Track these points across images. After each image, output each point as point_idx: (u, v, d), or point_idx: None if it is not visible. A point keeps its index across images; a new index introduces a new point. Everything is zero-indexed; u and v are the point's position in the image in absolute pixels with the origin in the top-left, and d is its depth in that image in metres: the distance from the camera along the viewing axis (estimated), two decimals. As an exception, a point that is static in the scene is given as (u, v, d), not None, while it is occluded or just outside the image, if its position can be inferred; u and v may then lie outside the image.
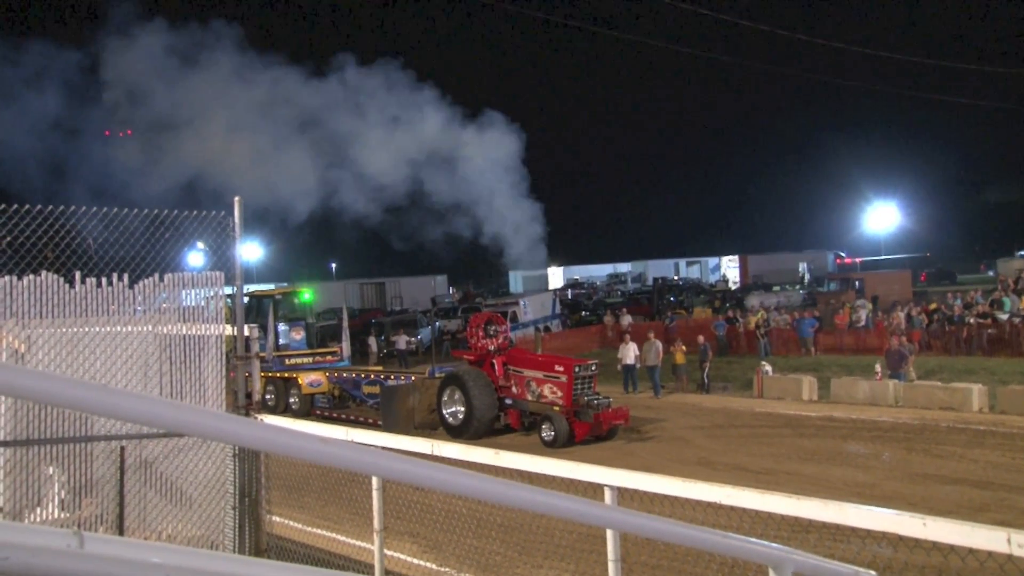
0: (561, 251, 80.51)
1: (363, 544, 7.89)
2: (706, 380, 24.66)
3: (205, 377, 7.87)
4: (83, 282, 7.31)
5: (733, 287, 67.84)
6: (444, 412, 19.36)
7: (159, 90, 26.94)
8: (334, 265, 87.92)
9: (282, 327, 25.63)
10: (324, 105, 29.30)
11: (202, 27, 27.05)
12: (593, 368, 18.59)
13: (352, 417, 21.93)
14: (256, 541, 7.77)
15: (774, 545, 3.29)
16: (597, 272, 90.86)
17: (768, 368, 24.10)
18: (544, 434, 17.81)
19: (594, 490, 4.89)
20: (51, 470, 7.29)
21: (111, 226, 7.35)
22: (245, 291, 8.86)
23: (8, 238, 6.90)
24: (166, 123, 27.36)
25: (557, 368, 18.42)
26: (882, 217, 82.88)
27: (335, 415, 22.51)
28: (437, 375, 20.83)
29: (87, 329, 7.33)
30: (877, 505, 4.49)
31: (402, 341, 36.66)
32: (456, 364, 22.45)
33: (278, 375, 23.97)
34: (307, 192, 30.02)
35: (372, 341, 37.59)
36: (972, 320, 29.81)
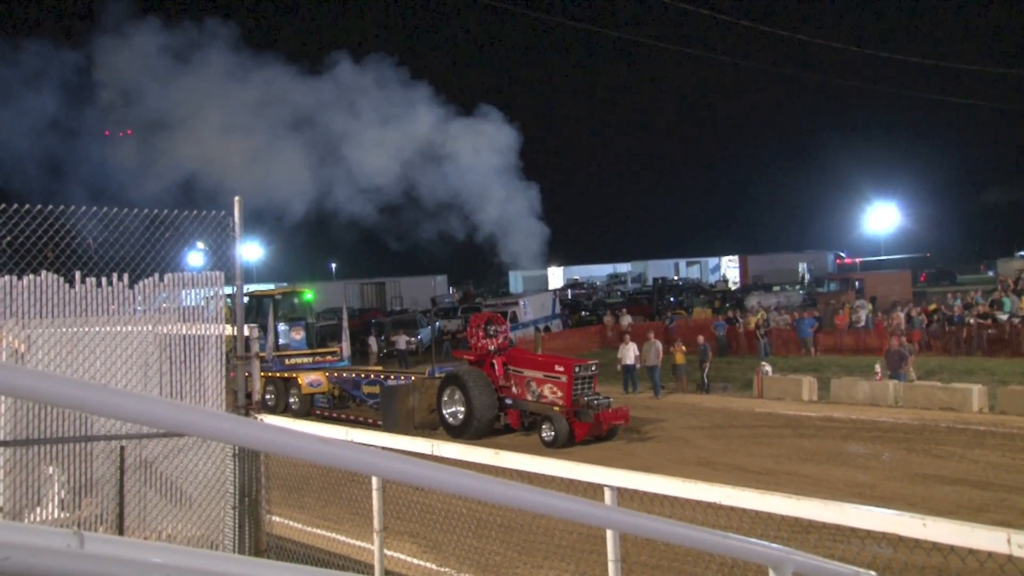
0: (561, 251, 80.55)
1: (363, 544, 7.89)
2: (706, 380, 24.65)
3: (205, 377, 7.87)
4: (83, 282, 7.31)
5: (733, 287, 67.82)
6: (444, 412, 19.36)
7: (157, 90, 26.96)
8: (334, 265, 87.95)
9: (282, 327, 25.64)
10: (323, 105, 29.32)
11: (198, 26, 27.04)
12: (593, 368, 18.59)
13: (352, 417, 21.92)
14: (256, 541, 7.77)
15: (774, 545, 3.29)
16: (597, 272, 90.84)
17: (768, 368, 24.10)
18: (544, 434, 17.81)
19: (594, 490, 4.89)
20: (51, 470, 7.29)
21: (111, 226, 7.35)
22: (245, 291, 8.86)
23: (8, 238, 6.90)
24: (164, 123, 27.37)
25: (557, 368, 18.42)
26: (882, 217, 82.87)
27: (335, 415, 22.51)
28: (437, 375, 20.83)
29: (87, 329, 7.33)
30: (877, 505, 4.49)
31: (402, 341, 36.67)
32: (456, 364, 22.45)
33: (278, 375, 23.98)
34: (306, 192, 30.04)
35: (372, 341, 37.61)
36: (972, 320, 29.80)
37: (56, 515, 7.20)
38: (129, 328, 7.56)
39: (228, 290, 8.23)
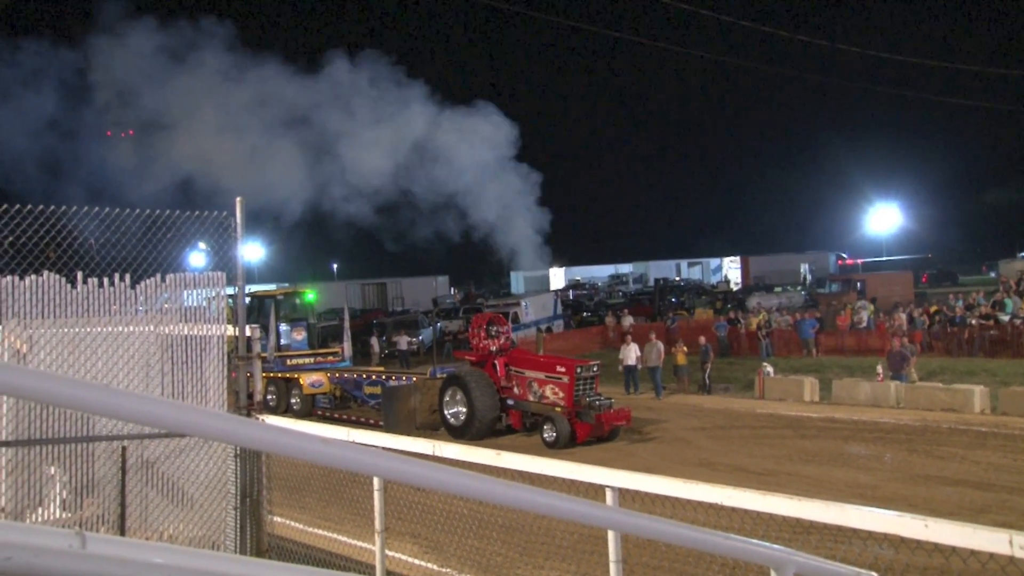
0: (563, 252, 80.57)
1: (364, 545, 7.89)
2: (707, 381, 24.65)
3: (207, 377, 7.87)
4: (85, 282, 7.32)
5: (735, 288, 67.79)
6: (446, 413, 19.36)
7: (156, 91, 26.97)
8: (335, 265, 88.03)
9: (284, 327, 25.65)
10: (323, 106, 29.33)
11: (194, 26, 27.05)
12: (595, 369, 18.58)
13: (353, 418, 21.92)
14: (257, 542, 7.77)
15: (775, 546, 3.29)
16: (598, 273, 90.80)
17: (769, 369, 24.08)
18: (546, 435, 17.81)
19: (595, 491, 4.89)
20: (53, 470, 7.30)
21: (113, 226, 7.35)
22: (247, 291, 8.86)
23: (11, 238, 6.91)
24: (163, 124, 27.39)
25: (559, 369, 18.41)
26: (884, 218, 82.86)
27: (336, 416, 22.51)
28: (439, 376, 20.83)
29: (89, 329, 7.33)
30: (878, 506, 4.49)
31: (403, 342, 36.67)
32: (458, 365, 22.45)
33: (280, 375, 23.98)
34: (307, 193, 30.06)
35: (374, 341, 37.61)
36: (974, 321, 29.79)
37: (58, 515, 7.21)
38: (131, 328, 7.57)
39: (230, 290, 8.23)
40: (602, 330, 41.13)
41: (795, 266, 75.06)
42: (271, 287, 39.61)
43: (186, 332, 7.83)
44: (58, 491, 7.27)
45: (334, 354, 26.06)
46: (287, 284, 48.98)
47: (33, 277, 7.14)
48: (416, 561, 9.45)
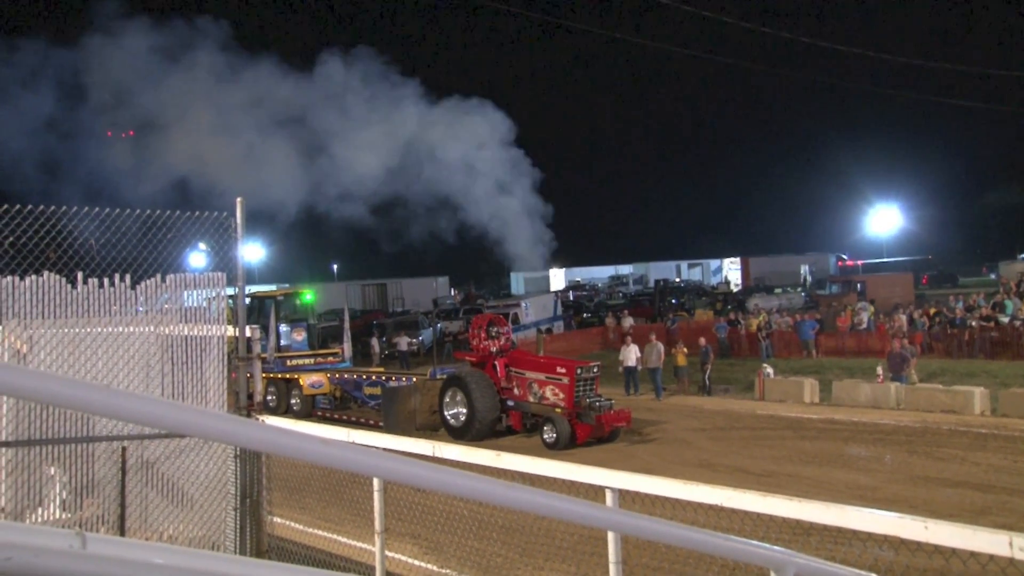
0: (563, 253, 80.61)
1: (364, 545, 7.88)
2: (707, 382, 24.64)
3: (207, 378, 7.88)
4: (85, 282, 7.32)
5: (735, 289, 67.80)
6: (446, 413, 19.35)
7: (152, 92, 26.94)
8: (336, 266, 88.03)
9: (284, 328, 25.63)
10: (321, 106, 29.32)
11: (189, 26, 27.02)
12: (595, 370, 18.58)
13: (353, 418, 21.92)
14: (257, 542, 7.77)
15: (775, 548, 3.28)
16: (599, 274, 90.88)
17: (769, 370, 24.08)
18: (546, 436, 17.81)
19: (595, 492, 4.89)
20: (52, 470, 7.30)
21: (113, 227, 7.35)
22: (247, 292, 8.86)
23: (11, 238, 6.91)
24: (160, 125, 27.37)
25: (559, 370, 18.40)
26: (884, 219, 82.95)
27: (336, 416, 22.50)
28: (439, 376, 20.83)
29: (89, 329, 7.34)
30: (878, 508, 4.49)
31: (403, 342, 36.66)
32: (458, 365, 22.44)
33: (280, 376, 23.97)
34: (306, 194, 30.05)
35: (374, 342, 37.60)
36: (974, 323, 29.79)
37: (58, 516, 7.21)
38: (131, 329, 7.57)
39: (230, 291, 8.23)
40: (602, 331, 41.13)
41: (795, 267, 75.07)
42: (271, 288, 39.58)
43: (186, 333, 7.84)
44: (58, 491, 7.27)
45: (334, 355, 26.05)
46: (287, 285, 48.92)
47: (33, 277, 7.14)
48: (416, 562, 9.45)
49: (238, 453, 7.64)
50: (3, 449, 7.05)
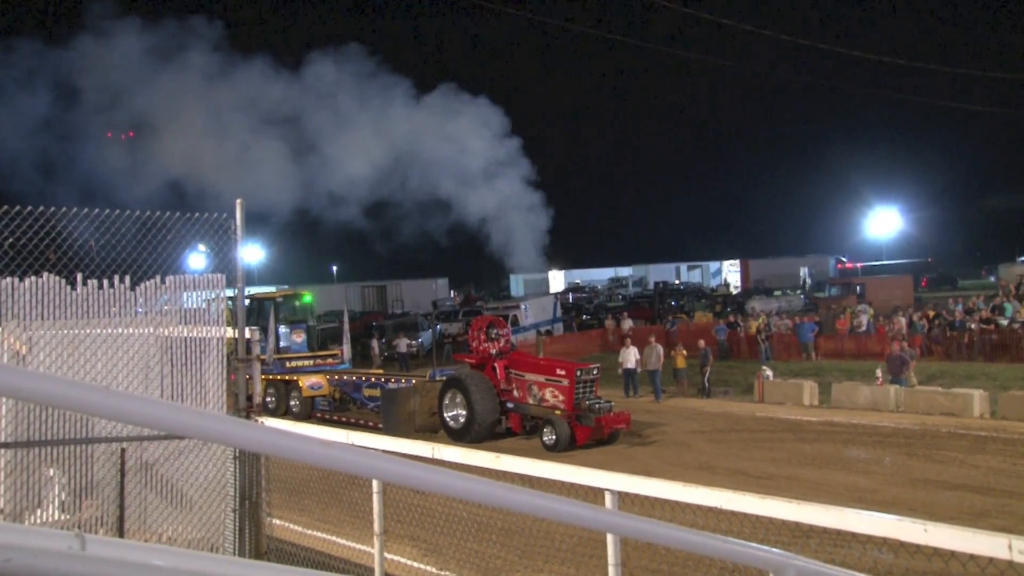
0: (562, 255, 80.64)
1: (363, 547, 7.88)
2: (707, 384, 24.63)
3: (206, 379, 7.87)
4: (85, 284, 7.32)
5: (734, 291, 67.86)
6: (445, 415, 19.34)
7: (149, 93, 26.87)
8: (335, 268, 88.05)
9: (283, 330, 25.61)
10: (319, 106, 29.27)
11: (184, 26, 26.95)
12: (595, 372, 18.58)
13: (353, 420, 21.92)
14: (256, 544, 7.76)
15: (774, 550, 3.28)
16: (598, 276, 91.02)
17: (769, 373, 24.08)
18: (545, 438, 17.81)
19: (595, 494, 4.89)
20: (51, 472, 7.29)
21: (112, 228, 7.35)
22: (246, 293, 8.86)
23: (10, 239, 6.91)
24: (158, 125, 27.31)
25: (559, 372, 18.40)
26: (884, 222, 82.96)
27: (336, 418, 22.50)
28: (438, 378, 20.82)
29: (88, 331, 7.33)
30: (878, 510, 4.49)
31: (403, 344, 36.65)
32: (457, 367, 22.44)
33: (279, 377, 23.97)
34: (304, 195, 30.00)
35: (374, 344, 37.59)
36: (973, 325, 29.80)
37: (56, 517, 7.20)
38: (130, 330, 7.57)
39: (229, 292, 8.23)
40: (601, 333, 41.14)
41: (795, 270, 75.19)
42: (271, 289, 39.58)
43: (185, 334, 7.83)
44: (57, 493, 7.27)
45: (333, 356, 26.05)
46: (286, 286, 48.92)
47: (33, 279, 7.14)
48: (415, 564, 9.45)
49: (237, 455, 7.63)
50: (2, 450, 7.04)
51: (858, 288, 48.14)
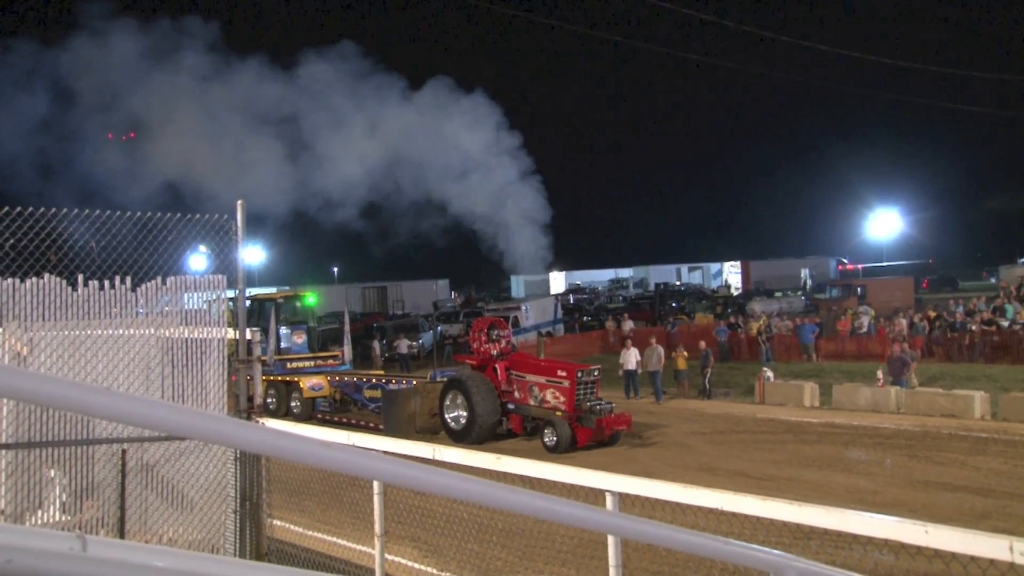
0: (563, 256, 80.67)
1: (364, 548, 7.88)
2: (708, 386, 24.62)
3: (207, 380, 7.87)
4: (86, 285, 7.32)
5: (735, 293, 67.83)
6: (446, 416, 19.34)
7: (143, 95, 26.87)
8: (336, 269, 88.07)
9: (284, 331, 25.61)
10: (318, 106, 29.27)
11: (182, 27, 26.94)
12: (596, 373, 18.58)
13: (353, 421, 21.93)
14: (257, 545, 7.76)
15: (775, 552, 3.28)
16: (599, 277, 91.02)
17: (770, 374, 24.07)
18: (546, 439, 17.80)
19: (596, 495, 4.89)
20: (52, 473, 7.29)
21: (113, 230, 7.35)
22: (247, 295, 8.86)
23: (11, 240, 6.91)
24: (155, 126, 27.31)
25: (560, 373, 18.39)
26: (884, 223, 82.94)
27: (336, 419, 22.50)
28: (439, 379, 20.82)
29: (89, 332, 7.33)
30: (878, 512, 4.49)
31: (403, 345, 36.65)
32: (458, 368, 22.44)
33: (280, 379, 23.97)
34: (304, 196, 30.00)
35: (375, 345, 37.58)
36: (974, 327, 29.79)
37: (57, 518, 7.20)
38: (131, 331, 7.57)
39: (230, 294, 8.23)
40: (602, 334, 41.12)
41: (796, 271, 75.15)
42: (271, 290, 39.60)
43: (186, 335, 7.84)
44: (58, 494, 7.27)
45: (334, 357, 26.05)
46: (287, 287, 48.94)
47: (34, 280, 7.14)
48: (416, 565, 9.44)
49: (238, 456, 7.63)
50: (3, 451, 7.04)
51: (859, 289, 48.11)
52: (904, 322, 31.37)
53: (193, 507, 7.76)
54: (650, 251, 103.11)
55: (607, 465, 13.85)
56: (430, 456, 5.94)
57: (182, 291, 7.83)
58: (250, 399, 8.07)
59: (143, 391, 7.64)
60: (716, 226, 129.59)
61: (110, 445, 7.39)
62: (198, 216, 7.78)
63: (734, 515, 4.45)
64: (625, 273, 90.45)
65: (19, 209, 6.89)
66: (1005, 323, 30.07)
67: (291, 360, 24.88)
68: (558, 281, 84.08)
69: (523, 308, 41.41)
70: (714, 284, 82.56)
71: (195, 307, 8.07)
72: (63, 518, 7.24)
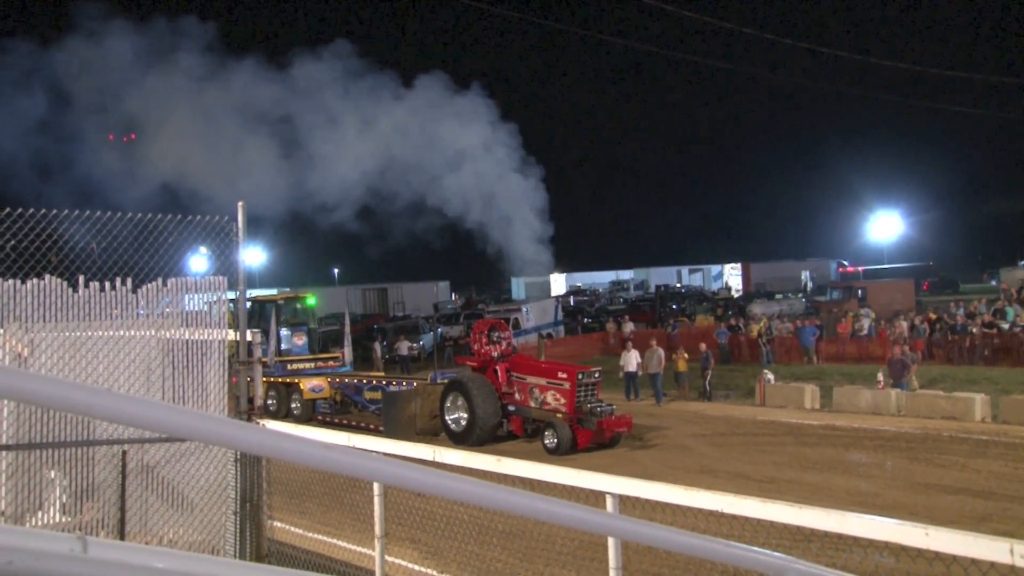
0: (564, 258, 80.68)
1: (364, 550, 7.88)
2: (708, 388, 24.62)
3: (207, 382, 7.88)
4: (86, 286, 7.32)
5: (736, 295, 67.79)
6: (447, 418, 19.34)
7: (140, 97, 26.86)
8: (336, 270, 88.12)
9: (284, 332, 25.63)
10: (316, 107, 29.27)
11: (179, 28, 26.92)
12: (596, 375, 18.58)
13: (354, 423, 21.93)
14: (257, 546, 7.76)
15: (776, 554, 3.28)
16: (600, 279, 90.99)
17: (770, 376, 24.05)
18: (547, 441, 17.80)
19: (596, 497, 4.89)
20: (53, 474, 7.30)
21: (114, 231, 7.35)
22: (248, 296, 8.86)
23: (12, 242, 6.91)
24: (153, 127, 27.31)
25: (560, 375, 18.39)
26: (885, 226, 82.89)
27: (337, 421, 22.51)
28: (439, 381, 20.82)
29: (90, 333, 7.34)
30: (879, 514, 4.48)
31: (404, 347, 36.64)
32: (459, 370, 22.44)
33: (280, 380, 23.97)
34: (304, 197, 30.00)
35: (377, 347, 37.57)
36: (975, 329, 29.78)
37: (57, 519, 7.21)
38: (132, 332, 7.57)
39: (231, 295, 8.23)
40: (603, 336, 41.11)
41: (796, 273, 75.06)
42: (272, 292, 39.58)
43: (187, 336, 7.84)
44: (58, 495, 7.27)
45: (335, 359, 26.05)
46: (288, 289, 48.93)
47: (35, 281, 7.14)
48: (416, 567, 9.44)
49: (238, 457, 7.63)
50: (3, 452, 7.04)
51: (859, 292, 48.09)
52: (905, 324, 31.35)
53: (193, 508, 7.76)
54: (651, 253, 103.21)
55: (607, 467, 13.85)
56: (430, 458, 5.94)
57: (183, 292, 7.84)
58: (250, 400, 8.07)
59: (144, 392, 7.64)
60: (717, 228, 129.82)
61: (110, 446, 7.40)
62: (199, 217, 7.79)
63: (735, 517, 4.45)
64: (626, 275, 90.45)
65: (20, 211, 6.90)
66: (1006, 325, 30.05)
67: (291, 362, 24.89)
68: (559, 283, 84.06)
69: (524, 310, 41.39)
70: (715, 286, 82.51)
71: (196, 308, 8.07)
72: (63, 519, 7.24)
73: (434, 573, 9.22)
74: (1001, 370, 26.51)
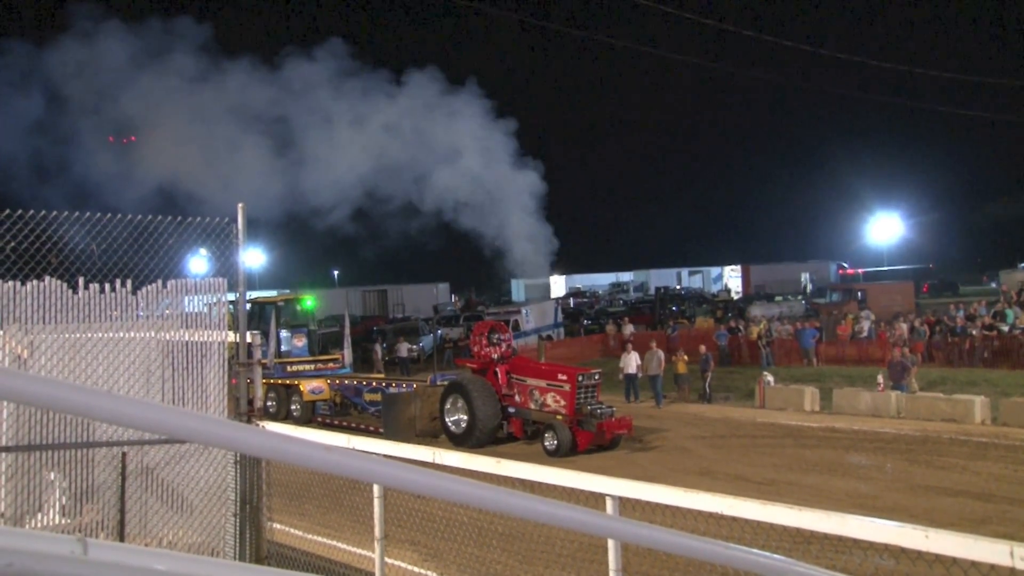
0: (564, 260, 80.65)
1: (364, 552, 7.88)
2: (708, 390, 24.61)
3: (207, 383, 7.87)
4: (86, 287, 7.32)
5: (735, 297, 67.77)
6: (447, 420, 19.34)
7: (138, 98, 26.88)
8: (336, 272, 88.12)
9: (284, 334, 25.62)
10: (317, 107, 29.31)
11: (177, 30, 26.97)
12: (596, 377, 18.58)
13: (353, 425, 21.93)
14: (257, 548, 7.76)
15: (776, 556, 3.28)
16: (599, 281, 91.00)
17: (770, 378, 24.04)
18: (547, 443, 17.79)
19: (596, 499, 4.89)
20: (52, 476, 7.29)
21: (114, 233, 7.35)
22: (247, 297, 8.86)
23: (12, 243, 6.91)
24: (153, 128, 27.34)
25: (560, 377, 18.39)
26: (885, 228, 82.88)
27: (336, 422, 22.50)
28: (439, 383, 20.82)
29: (90, 335, 7.33)
30: (879, 517, 4.48)
31: (404, 349, 36.63)
32: (459, 372, 22.45)
33: (280, 382, 23.97)
34: (305, 198, 30.04)
35: (377, 348, 37.55)
36: (975, 332, 29.77)
37: (57, 521, 7.20)
38: (132, 334, 7.57)
39: (231, 297, 8.23)
40: (602, 338, 41.10)
41: (796, 275, 75.00)
42: (272, 293, 39.57)
43: (187, 338, 7.84)
44: (58, 497, 7.26)
45: (334, 361, 26.04)
46: (288, 290, 48.97)
47: (34, 282, 7.14)
48: (416, 569, 9.44)
49: (238, 459, 7.63)
50: (3, 454, 7.04)
51: (859, 294, 48.12)
52: (904, 327, 31.35)
53: (193, 510, 7.76)
54: (650, 255, 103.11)
55: (607, 469, 13.84)
56: (430, 460, 5.94)
57: (182, 294, 7.84)
58: (250, 402, 8.06)
59: (143, 394, 7.63)
60: (716, 230, 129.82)
61: (110, 448, 7.39)
62: (199, 219, 7.79)
63: (734, 519, 4.45)
64: (625, 277, 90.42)
65: (20, 212, 6.90)
66: (1005, 328, 30.04)
67: (291, 363, 24.88)
68: (558, 285, 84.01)
69: (523, 312, 41.39)
70: (714, 288, 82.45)
71: (195, 310, 8.07)
72: (63, 521, 7.23)
73: (434, 575, 9.22)
74: (1001, 372, 26.50)
